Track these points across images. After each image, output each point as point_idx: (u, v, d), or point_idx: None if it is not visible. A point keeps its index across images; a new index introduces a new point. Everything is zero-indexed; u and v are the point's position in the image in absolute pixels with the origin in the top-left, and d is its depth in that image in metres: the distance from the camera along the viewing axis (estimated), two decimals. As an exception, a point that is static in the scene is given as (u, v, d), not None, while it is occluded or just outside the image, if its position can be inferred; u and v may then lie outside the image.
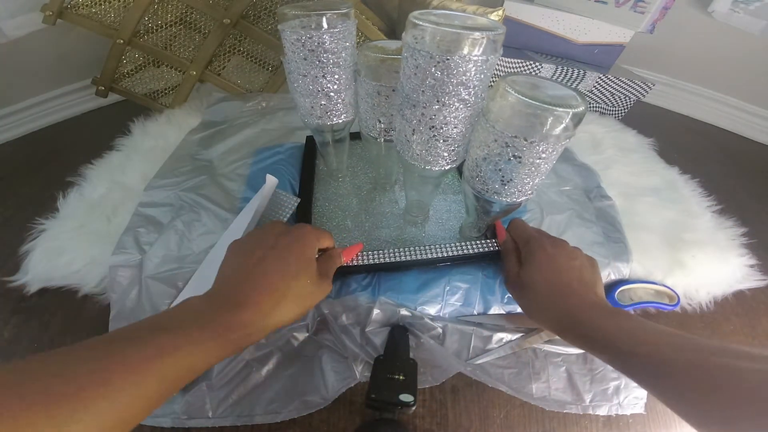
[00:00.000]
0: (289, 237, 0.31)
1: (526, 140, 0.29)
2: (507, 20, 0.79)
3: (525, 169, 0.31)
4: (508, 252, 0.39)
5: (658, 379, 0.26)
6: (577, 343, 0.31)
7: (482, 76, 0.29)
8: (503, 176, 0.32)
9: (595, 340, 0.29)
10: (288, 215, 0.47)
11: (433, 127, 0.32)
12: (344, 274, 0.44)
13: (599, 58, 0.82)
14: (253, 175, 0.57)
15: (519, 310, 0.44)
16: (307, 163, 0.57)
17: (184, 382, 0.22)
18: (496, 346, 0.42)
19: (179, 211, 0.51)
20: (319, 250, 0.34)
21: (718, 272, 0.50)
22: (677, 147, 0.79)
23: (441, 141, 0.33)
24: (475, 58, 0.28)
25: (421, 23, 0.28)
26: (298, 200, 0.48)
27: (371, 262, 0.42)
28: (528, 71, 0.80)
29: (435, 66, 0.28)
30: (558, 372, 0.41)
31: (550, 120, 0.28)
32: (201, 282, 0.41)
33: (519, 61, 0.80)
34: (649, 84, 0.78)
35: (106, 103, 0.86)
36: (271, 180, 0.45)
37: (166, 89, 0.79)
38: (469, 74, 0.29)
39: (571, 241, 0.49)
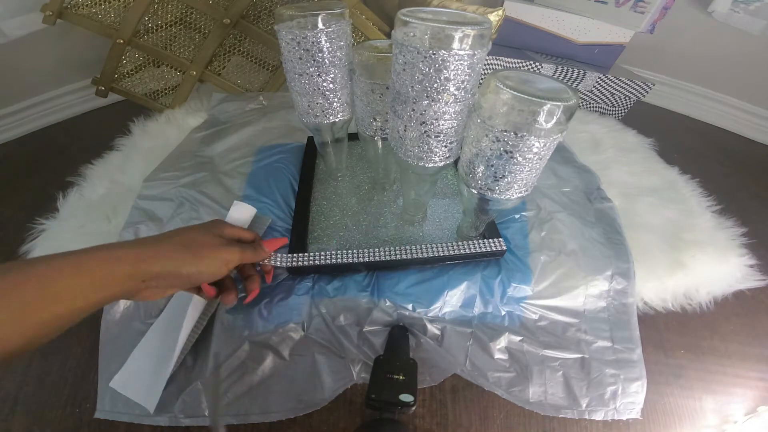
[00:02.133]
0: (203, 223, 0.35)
1: (516, 135, 0.29)
2: (507, 20, 0.79)
3: (518, 164, 0.31)
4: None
5: None
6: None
7: (471, 71, 0.30)
8: (496, 172, 0.32)
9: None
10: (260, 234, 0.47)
11: (423, 122, 0.33)
12: (344, 274, 0.44)
13: (599, 58, 0.82)
14: (254, 173, 0.57)
15: (519, 311, 0.44)
16: (308, 162, 0.57)
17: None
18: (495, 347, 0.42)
19: (179, 208, 0.51)
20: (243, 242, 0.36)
21: (718, 272, 0.50)
22: (677, 147, 0.79)
23: (433, 137, 0.34)
24: (462, 53, 0.28)
25: (409, 20, 0.28)
26: (269, 222, 0.48)
27: (370, 260, 0.42)
28: (528, 71, 0.80)
29: (422, 62, 0.28)
30: (555, 377, 0.41)
31: (541, 114, 0.27)
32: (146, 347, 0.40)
33: (519, 60, 0.80)
34: (649, 84, 0.78)
35: (106, 103, 0.86)
36: (239, 207, 0.45)
37: (166, 89, 0.79)
38: (457, 69, 0.29)
39: (572, 241, 0.49)
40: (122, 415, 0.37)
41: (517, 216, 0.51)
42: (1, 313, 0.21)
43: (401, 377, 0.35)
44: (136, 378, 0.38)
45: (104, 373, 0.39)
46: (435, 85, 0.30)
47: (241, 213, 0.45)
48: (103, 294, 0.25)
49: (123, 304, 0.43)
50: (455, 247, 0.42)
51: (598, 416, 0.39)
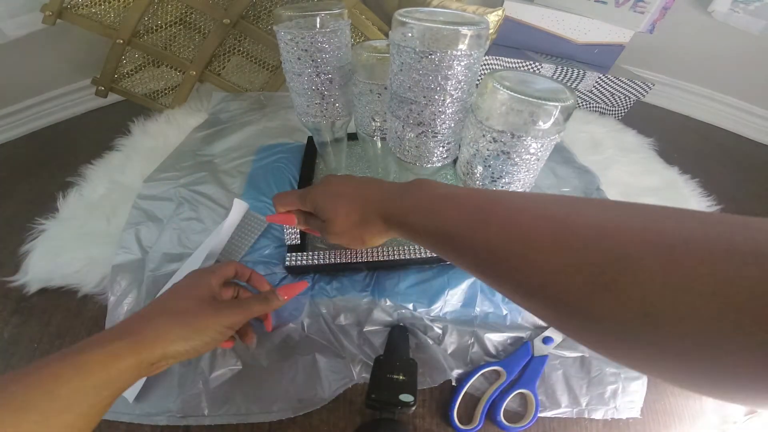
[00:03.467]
0: (185, 280, 0.33)
1: (513, 135, 0.29)
2: (507, 20, 0.79)
3: (515, 165, 0.31)
4: (307, 222, 0.36)
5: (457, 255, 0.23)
6: (393, 232, 0.29)
7: (468, 72, 0.29)
8: (494, 173, 0.32)
9: (399, 221, 0.27)
10: (257, 236, 0.48)
11: (421, 123, 0.33)
12: (343, 274, 0.44)
13: (599, 58, 0.82)
14: (255, 172, 0.58)
15: (521, 310, 0.44)
16: (307, 162, 0.57)
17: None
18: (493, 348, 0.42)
19: (179, 208, 0.51)
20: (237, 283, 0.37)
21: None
22: (677, 147, 0.79)
23: (431, 137, 0.34)
24: (459, 53, 0.28)
25: (406, 20, 0.28)
26: (267, 222, 0.48)
27: (370, 260, 0.42)
28: (528, 71, 0.80)
29: (419, 62, 0.29)
30: (555, 375, 0.41)
31: (538, 114, 0.27)
32: None
33: (519, 60, 0.80)
34: (648, 84, 0.78)
35: (106, 103, 0.86)
36: (239, 205, 0.46)
37: (165, 89, 0.79)
38: (453, 69, 0.29)
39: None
40: (122, 415, 0.37)
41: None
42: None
43: (401, 377, 0.35)
44: None
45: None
46: (432, 86, 0.30)
47: (236, 211, 0.45)
48: (115, 387, 0.25)
49: (126, 305, 0.43)
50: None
51: (598, 415, 0.39)
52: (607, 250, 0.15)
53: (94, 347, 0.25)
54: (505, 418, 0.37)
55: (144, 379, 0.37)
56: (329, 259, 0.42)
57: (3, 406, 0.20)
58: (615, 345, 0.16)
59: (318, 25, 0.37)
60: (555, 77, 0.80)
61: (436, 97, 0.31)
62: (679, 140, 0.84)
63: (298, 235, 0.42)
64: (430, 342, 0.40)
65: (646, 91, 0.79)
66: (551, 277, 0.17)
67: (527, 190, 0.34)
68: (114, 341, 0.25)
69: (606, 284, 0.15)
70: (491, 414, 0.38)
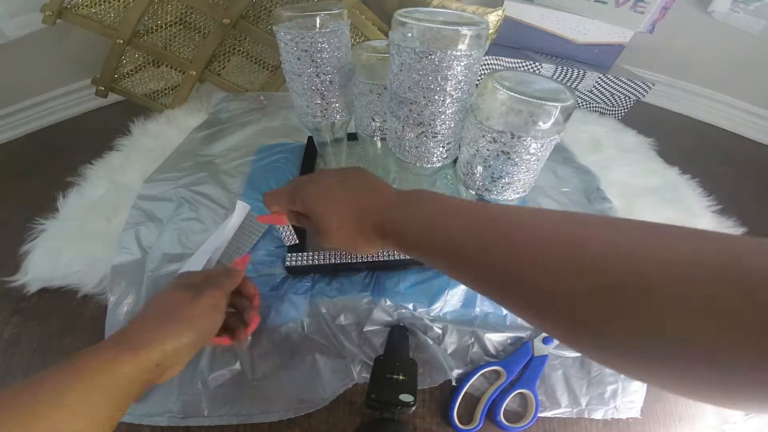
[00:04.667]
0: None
1: (513, 136, 0.29)
2: (507, 20, 0.79)
3: (515, 165, 0.31)
4: (298, 221, 0.35)
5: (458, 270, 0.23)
6: (388, 245, 0.28)
7: (468, 72, 0.29)
8: (493, 173, 0.32)
9: (397, 234, 0.26)
10: (257, 238, 0.47)
11: (421, 123, 0.33)
12: (343, 274, 0.44)
13: (599, 58, 0.82)
14: (255, 172, 0.58)
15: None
16: (308, 162, 0.57)
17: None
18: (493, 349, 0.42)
19: (179, 208, 0.51)
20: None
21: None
22: (677, 147, 0.79)
23: (430, 137, 0.34)
24: (459, 54, 0.28)
25: (406, 20, 0.28)
26: (267, 226, 0.48)
27: (370, 259, 0.42)
28: (528, 71, 0.80)
29: (419, 62, 0.28)
30: (555, 375, 0.41)
31: (538, 114, 0.27)
32: None
33: (519, 60, 0.80)
34: (648, 84, 0.78)
35: (106, 103, 0.86)
36: (241, 206, 0.46)
37: (165, 89, 0.79)
38: (453, 70, 0.29)
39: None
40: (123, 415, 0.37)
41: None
42: None
43: (401, 377, 0.35)
44: None
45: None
46: (432, 86, 0.30)
47: (239, 213, 0.45)
48: (121, 392, 0.25)
49: (127, 305, 0.43)
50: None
51: (598, 415, 0.39)
52: (624, 273, 0.15)
53: (90, 355, 0.25)
54: (505, 418, 0.37)
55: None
56: (329, 259, 0.42)
57: (13, 419, 0.20)
58: (632, 364, 0.16)
59: (318, 25, 0.37)
60: (555, 77, 0.80)
61: (436, 97, 0.31)
62: (679, 140, 0.84)
63: (295, 235, 0.41)
64: (430, 342, 0.40)
65: (646, 91, 0.79)
66: (566, 299, 0.17)
67: (527, 191, 0.34)
68: (110, 348, 0.26)
69: (624, 309, 0.15)
70: (491, 414, 0.38)
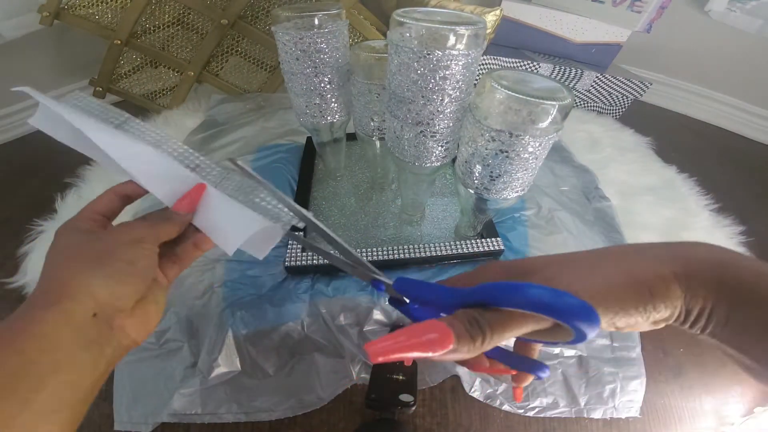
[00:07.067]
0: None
1: (511, 134, 0.29)
2: (504, 20, 0.79)
3: (514, 164, 0.31)
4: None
5: None
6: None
7: (466, 71, 0.30)
8: (492, 172, 0.32)
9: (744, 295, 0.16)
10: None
11: (419, 122, 0.33)
12: (343, 274, 0.44)
13: (596, 57, 0.82)
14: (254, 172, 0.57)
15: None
16: (306, 162, 0.57)
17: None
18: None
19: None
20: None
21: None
22: (675, 146, 0.79)
23: (429, 137, 0.34)
24: (456, 53, 0.28)
25: (404, 20, 0.28)
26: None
27: (369, 259, 0.42)
28: (525, 71, 0.80)
29: (417, 62, 0.29)
30: (554, 375, 0.41)
31: (537, 113, 0.27)
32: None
33: (516, 60, 0.80)
34: (646, 83, 0.79)
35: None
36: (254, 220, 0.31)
37: (163, 90, 0.78)
38: (451, 69, 0.29)
39: (572, 240, 0.49)
40: (123, 414, 0.37)
41: (516, 215, 0.51)
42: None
43: (401, 377, 0.35)
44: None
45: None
46: (430, 86, 0.30)
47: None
48: (61, 361, 0.19)
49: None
50: (454, 247, 0.42)
51: (597, 414, 0.39)
52: None
53: (17, 321, 0.21)
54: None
55: (275, 239, 0.27)
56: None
57: None
58: None
59: (316, 26, 0.37)
60: (553, 76, 0.80)
61: (434, 96, 0.31)
62: (677, 139, 0.85)
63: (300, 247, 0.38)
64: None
65: (644, 90, 0.80)
66: None
67: (526, 189, 0.34)
68: (32, 308, 0.21)
69: None
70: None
